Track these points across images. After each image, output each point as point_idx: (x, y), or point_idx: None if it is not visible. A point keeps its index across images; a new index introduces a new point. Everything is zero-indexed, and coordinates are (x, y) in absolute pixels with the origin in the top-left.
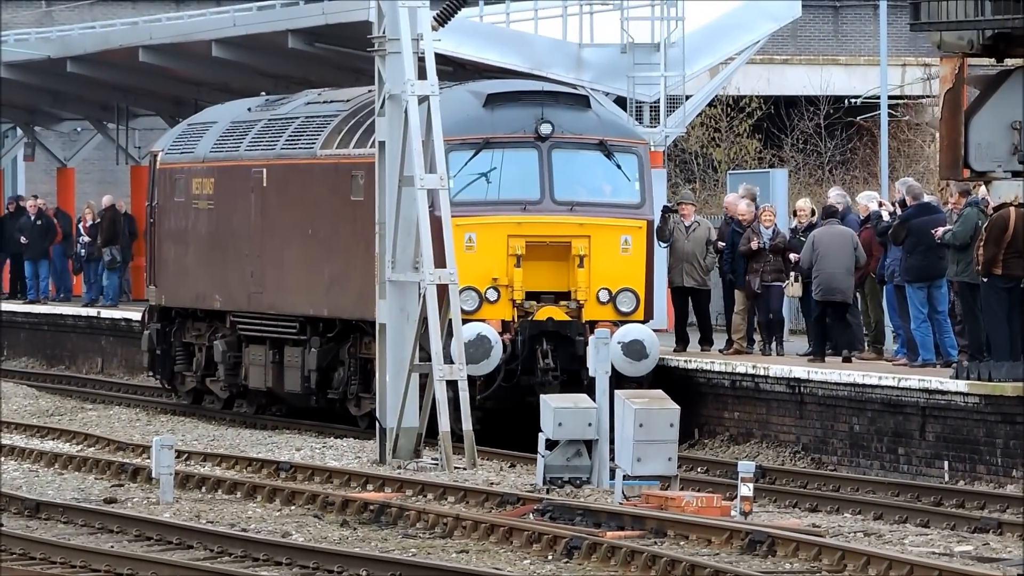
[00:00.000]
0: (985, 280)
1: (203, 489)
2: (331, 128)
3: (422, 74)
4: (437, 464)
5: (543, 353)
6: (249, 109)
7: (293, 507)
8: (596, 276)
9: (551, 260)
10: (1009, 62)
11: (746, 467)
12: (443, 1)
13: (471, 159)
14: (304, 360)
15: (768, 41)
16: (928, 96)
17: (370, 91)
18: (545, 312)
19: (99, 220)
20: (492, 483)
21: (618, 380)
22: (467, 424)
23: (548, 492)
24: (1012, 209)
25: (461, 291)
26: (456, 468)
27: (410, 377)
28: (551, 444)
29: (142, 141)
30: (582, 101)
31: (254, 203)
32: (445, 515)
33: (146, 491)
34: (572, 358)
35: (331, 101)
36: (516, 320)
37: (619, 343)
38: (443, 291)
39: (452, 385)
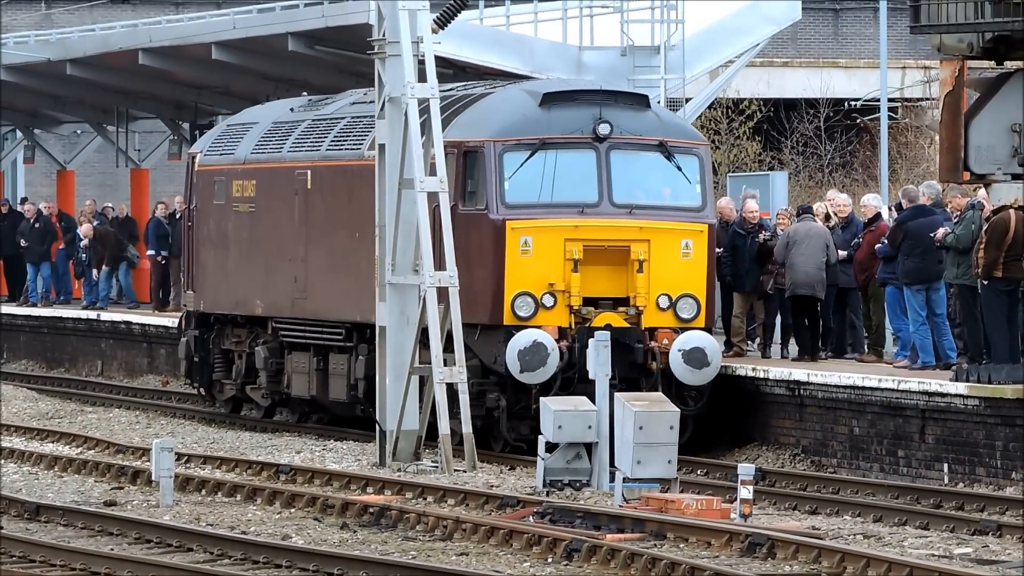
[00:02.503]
0: (985, 283)
1: (203, 492)
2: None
3: (422, 77)
4: (437, 467)
5: None
6: (292, 109)
7: (293, 510)
8: (656, 281)
9: (609, 265)
10: (1009, 65)
11: (746, 470)
12: (443, 4)
13: (527, 160)
14: (351, 368)
15: (768, 44)
16: (928, 99)
17: None
18: (603, 319)
19: (91, 242)
20: (492, 486)
21: (677, 389)
22: (467, 427)
23: (548, 495)
24: (1012, 212)
25: (517, 296)
26: (456, 471)
27: (410, 380)
28: (551, 447)
29: (142, 144)
30: (641, 101)
31: (298, 206)
32: (445, 518)
33: (146, 494)
34: (631, 366)
35: (373, 102)
36: (573, 327)
37: (680, 351)
38: (443, 294)
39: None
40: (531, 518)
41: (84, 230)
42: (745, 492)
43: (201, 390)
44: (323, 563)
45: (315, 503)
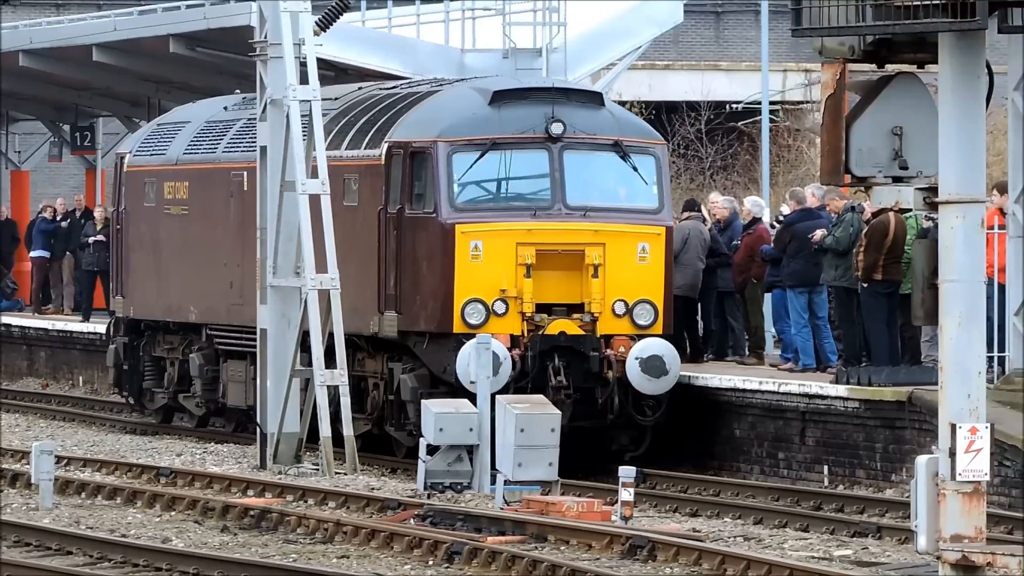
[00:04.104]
0: (865, 286)
1: (83, 495)
2: None
3: (304, 79)
4: (318, 469)
5: (555, 370)
6: (226, 108)
7: (173, 513)
8: (611, 287)
9: (563, 270)
10: (890, 68)
11: (627, 472)
12: (325, 6)
13: (477, 161)
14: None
15: (650, 46)
16: (809, 102)
17: (360, 88)
18: (557, 326)
19: None
20: (373, 488)
21: (634, 398)
22: (348, 429)
23: (429, 497)
24: (892, 215)
25: (467, 303)
26: (337, 473)
27: (291, 382)
28: (432, 449)
29: (22, 146)
30: (595, 99)
31: (234, 208)
32: (326, 520)
33: (25, 497)
34: (586, 375)
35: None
36: (526, 334)
37: (636, 359)
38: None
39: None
40: (412, 521)
41: None
42: (626, 494)
43: (130, 399)
44: (203, 566)
45: (196, 506)
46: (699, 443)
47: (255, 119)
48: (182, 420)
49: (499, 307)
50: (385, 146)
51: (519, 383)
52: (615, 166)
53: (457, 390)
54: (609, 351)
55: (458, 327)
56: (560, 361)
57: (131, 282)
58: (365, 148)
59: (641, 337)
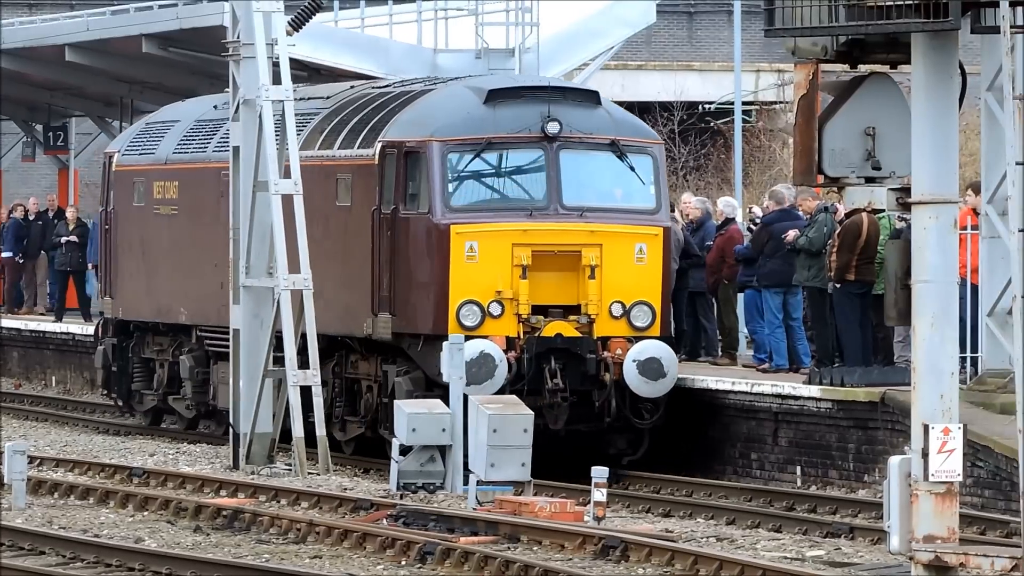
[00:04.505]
0: (838, 286)
1: (56, 495)
2: (311, 128)
3: (277, 79)
4: (290, 469)
5: (551, 372)
6: (216, 107)
7: (146, 513)
8: (608, 288)
9: (559, 271)
10: (863, 68)
11: (599, 472)
12: (298, 6)
13: (472, 160)
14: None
15: (623, 47)
16: (782, 102)
17: (352, 87)
18: (553, 328)
19: None
20: (346, 488)
21: (632, 401)
22: (320, 430)
23: (402, 497)
24: (865, 215)
25: (462, 304)
26: (310, 473)
27: (263, 382)
28: (405, 450)
29: None
30: (591, 97)
31: (224, 208)
32: (298, 520)
33: None
34: (583, 378)
35: (309, 98)
36: (522, 336)
37: (634, 361)
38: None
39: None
40: (385, 521)
41: None
42: (599, 495)
43: (119, 401)
44: (176, 566)
45: (168, 506)
46: (678, 443)
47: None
48: (173, 423)
49: (495, 309)
50: (379, 145)
51: (515, 386)
52: (612, 166)
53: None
54: (606, 353)
55: (453, 329)
56: (556, 363)
57: (120, 283)
58: (358, 147)
59: (639, 339)
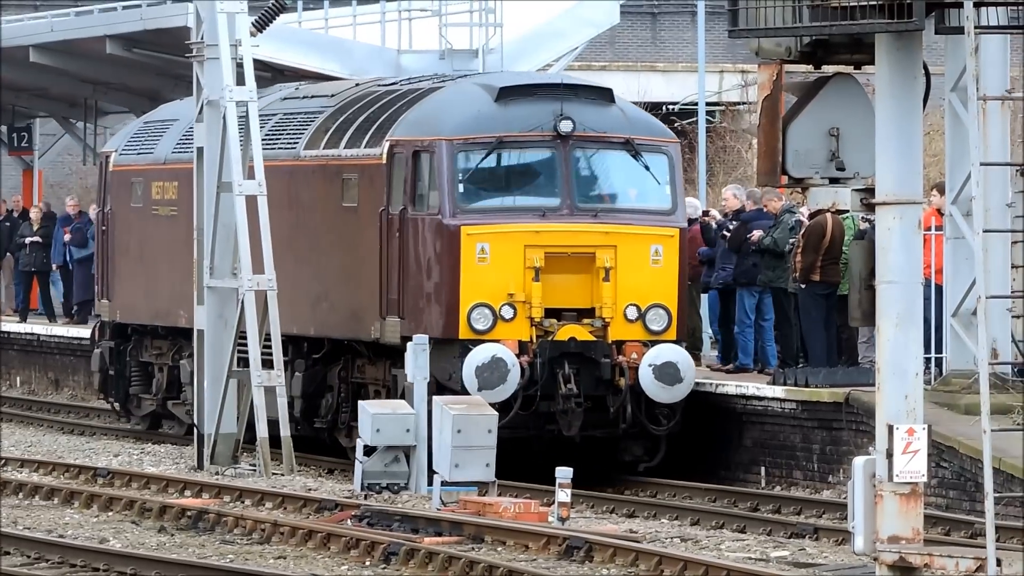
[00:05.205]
0: (803, 287)
1: (20, 495)
2: (316, 126)
3: (241, 80)
4: (255, 470)
5: (565, 377)
6: None
7: (111, 513)
8: (623, 291)
9: (573, 273)
10: (827, 69)
11: (563, 473)
12: (262, 7)
13: (483, 160)
14: (286, 385)
15: (586, 47)
16: (746, 103)
17: (358, 84)
18: (567, 331)
19: None
20: (310, 489)
21: (648, 406)
22: (284, 430)
23: (366, 498)
24: (829, 216)
25: (473, 308)
26: (274, 474)
27: (228, 383)
28: (369, 450)
29: None
30: (605, 95)
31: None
32: (263, 521)
33: None
34: (597, 383)
35: (313, 96)
36: (535, 340)
37: (650, 366)
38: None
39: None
40: (349, 521)
41: None
42: (563, 495)
43: (116, 405)
44: (141, 566)
45: (133, 506)
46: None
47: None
48: (172, 429)
49: (507, 312)
50: (386, 145)
51: (527, 391)
52: (626, 165)
53: None
54: (621, 358)
55: (464, 333)
56: (570, 368)
57: (117, 285)
58: (365, 147)
59: (654, 343)
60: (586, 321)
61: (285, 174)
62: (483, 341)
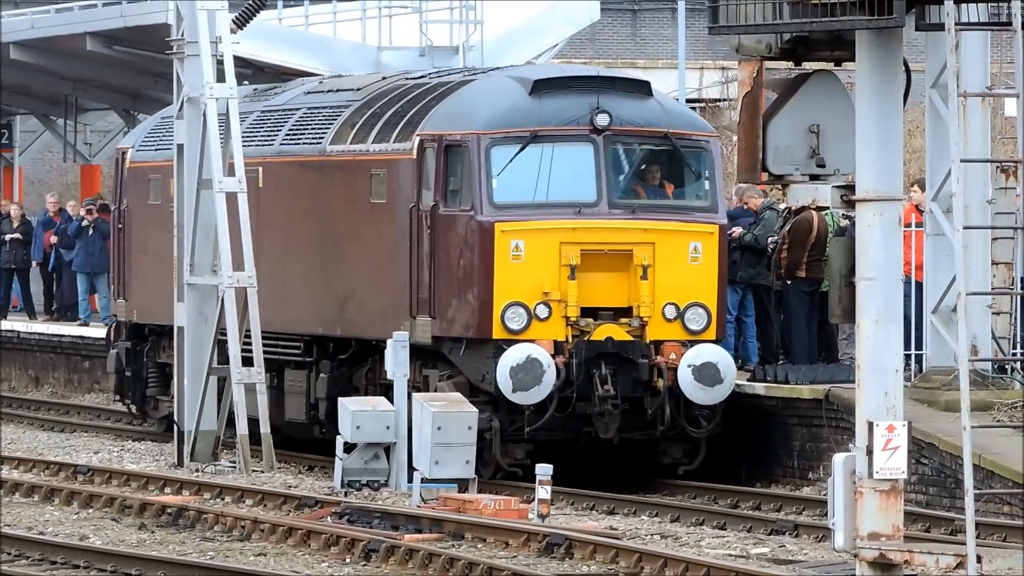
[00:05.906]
0: (788, 283)
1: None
2: (343, 120)
3: (221, 77)
4: (235, 467)
5: (601, 378)
6: (246, 97)
7: (91, 510)
8: (661, 289)
9: (610, 271)
10: (807, 65)
11: (543, 470)
12: (242, 4)
13: (517, 155)
14: (310, 386)
15: (567, 44)
16: (726, 99)
17: (384, 78)
18: (603, 331)
19: None
20: (290, 486)
21: (687, 408)
22: (265, 427)
23: (346, 495)
24: (815, 212)
25: (507, 307)
26: (254, 471)
27: (208, 380)
28: (349, 447)
29: None
30: (643, 88)
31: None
32: (243, 518)
33: None
34: (635, 384)
35: (338, 90)
36: (570, 340)
37: (689, 366)
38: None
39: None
40: (329, 518)
41: None
42: (543, 492)
43: (132, 407)
44: (121, 563)
45: (113, 503)
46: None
47: (269, 111)
48: None
49: (541, 311)
50: (417, 139)
51: (563, 392)
52: (665, 160)
53: (497, 400)
54: (659, 358)
55: (498, 333)
56: (607, 369)
57: (134, 284)
58: (394, 141)
59: (693, 343)
60: (623, 320)
61: (311, 170)
62: (517, 341)
